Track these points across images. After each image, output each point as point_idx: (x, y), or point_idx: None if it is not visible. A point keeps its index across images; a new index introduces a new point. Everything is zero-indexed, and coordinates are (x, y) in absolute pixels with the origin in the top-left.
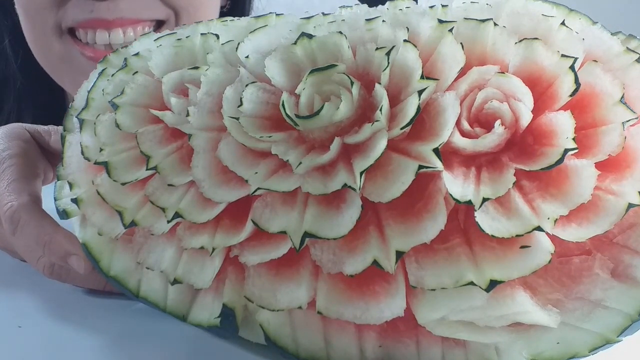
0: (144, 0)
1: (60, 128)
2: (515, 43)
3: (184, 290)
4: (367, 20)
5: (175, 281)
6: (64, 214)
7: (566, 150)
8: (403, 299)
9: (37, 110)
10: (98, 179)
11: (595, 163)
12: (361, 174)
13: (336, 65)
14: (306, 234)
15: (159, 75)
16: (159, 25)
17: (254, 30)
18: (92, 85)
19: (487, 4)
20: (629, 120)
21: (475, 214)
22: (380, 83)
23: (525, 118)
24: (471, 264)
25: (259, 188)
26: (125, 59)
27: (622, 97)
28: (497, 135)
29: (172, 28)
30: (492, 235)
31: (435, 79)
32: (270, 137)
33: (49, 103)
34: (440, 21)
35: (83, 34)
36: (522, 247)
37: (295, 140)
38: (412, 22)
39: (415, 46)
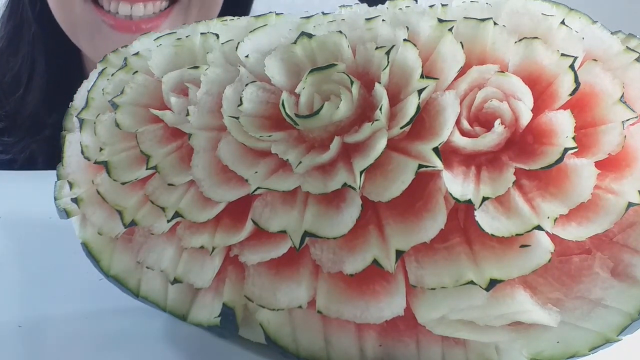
0: None
1: None
2: (515, 42)
3: (184, 290)
4: (366, 19)
5: (175, 280)
6: (64, 214)
7: (566, 150)
8: (403, 298)
9: (50, 58)
10: (98, 178)
11: (595, 162)
12: (361, 173)
13: (336, 64)
14: (306, 233)
15: (158, 74)
16: (172, 1)
17: (254, 29)
18: (92, 85)
19: (486, 3)
20: (629, 119)
21: (475, 213)
22: (380, 82)
23: (525, 117)
24: (471, 263)
25: (258, 187)
26: (125, 59)
27: (622, 96)
28: (497, 134)
29: (186, 8)
30: (492, 235)
31: (435, 78)
32: (270, 136)
33: (64, 53)
34: (440, 20)
35: (106, 2)
36: (522, 246)
37: (295, 140)
38: (412, 21)
39: (415, 45)
